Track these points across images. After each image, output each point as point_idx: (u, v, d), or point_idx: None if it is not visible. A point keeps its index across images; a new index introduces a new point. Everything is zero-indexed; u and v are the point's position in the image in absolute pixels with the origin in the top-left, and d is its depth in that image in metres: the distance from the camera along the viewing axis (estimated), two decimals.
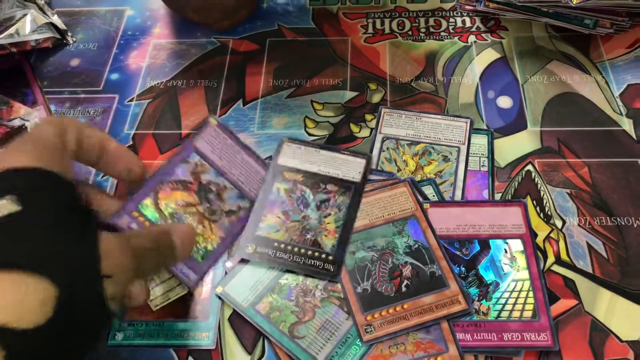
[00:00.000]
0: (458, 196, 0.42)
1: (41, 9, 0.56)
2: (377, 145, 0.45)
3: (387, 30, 0.54)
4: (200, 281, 0.37)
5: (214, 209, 0.37)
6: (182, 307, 0.38)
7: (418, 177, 0.43)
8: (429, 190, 0.42)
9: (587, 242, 0.40)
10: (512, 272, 0.37)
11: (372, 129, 0.46)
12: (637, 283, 0.38)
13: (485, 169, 0.43)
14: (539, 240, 0.40)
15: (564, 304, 0.37)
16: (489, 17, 0.54)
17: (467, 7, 0.54)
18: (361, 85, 0.50)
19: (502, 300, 0.36)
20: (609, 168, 0.43)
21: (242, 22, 0.56)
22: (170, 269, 0.35)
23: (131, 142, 0.47)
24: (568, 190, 0.42)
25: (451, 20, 0.55)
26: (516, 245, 0.39)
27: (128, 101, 0.50)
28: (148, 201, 0.35)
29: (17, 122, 0.48)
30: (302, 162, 0.43)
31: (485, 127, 0.46)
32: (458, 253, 0.39)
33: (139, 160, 0.33)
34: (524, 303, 0.36)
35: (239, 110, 0.49)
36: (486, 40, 0.52)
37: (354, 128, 0.47)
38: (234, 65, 0.52)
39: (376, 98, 0.49)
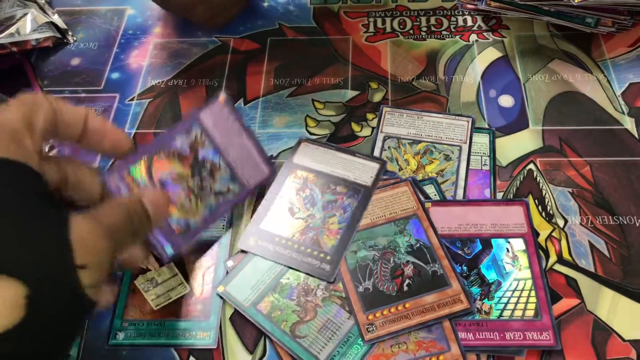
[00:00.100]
0: (460, 195, 0.41)
1: (42, 8, 0.56)
2: (379, 144, 0.45)
3: (388, 29, 0.54)
4: (174, 256, 0.36)
5: (204, 185, 0.37)
6: (183, 307, 0.38)
7: (419, 176, 0.43)
8: (430, 190, 0.42)
9: (589, 241, 0.39)
10: (514, 271, 0.37)
11: (373, 128, 0.46)
12: (639, 282, 0.38)
13: (487, 167, 0.43)
14: (541, 239, 0.40)
15: (566, 303, 0.37)
16: (490, 16, 0.54)
17: (469, 6, 0.54)
18: (362, 84, 0.50)
19: (504, 300, 0.36)
20: (611, 167, 0.43)
21: (234, 18, 0.55)
22: (147, 238, 0.34)
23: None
24: (570, 189, 0.42)
25: (452, 19, 0.54)
26: (518, 244, 0.39)
27: (129, 100, 0.50)
28: (142, 165, 0.34)
29: None
30: (316, 161, 0.43)
31: (486, 126, 0.46)
32: (460, 252, 0.38)
33: (125, 135, 0.31)
34: (526, 302, 0.36)
35: (240, 109, 0.49)
36: (488, 39, 0.52)
37: (355, 127, 0.47)
38: (235, 64, 0.52)
39: (377, 97, 0.49)
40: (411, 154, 0.44)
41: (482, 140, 0.45)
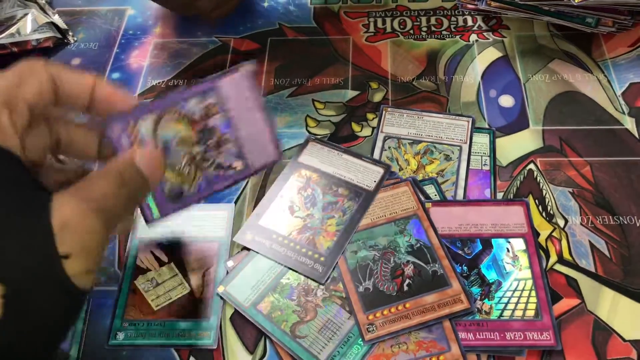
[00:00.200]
0: (460, 195, 0.41)
1: (42, 9, 0.56)
2: (379, 144, 0.45)
3: (388, 29, 0.54)
4: (160, 220, 0.33)
5: (207, 155, 0.35)
6: (183, 307, 0.38)
7: (420, 176, 0.43)
8: (430, 190, 0.42)
9: (590, 241, 0.39)
10: (515, 271, 0.37)
11: (373, 128, 0.46)
12: (639, 282, 0.37)
13: (487, 167, 0.43)
14: (541, 239, 0.40)
15: (566, 303, 0.37)
16: (490, 16, 0.54)
17: (469, 6, 0.54)
18: (362, 84, 0.50)
19: (505, 300, 0.36)
20: (611, 167, 0.43)
21: (230, 12, 0.55)
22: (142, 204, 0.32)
23: None
24: (570, 189, 0.42)
25: (453, 19, 0.54)
26: (518, 244, 0.39)
27: None
28: (150, 120, 0.32)
29: None
30: (321, 162, 0.43)
31: (487, 126, 0.46)
32: (460, 252, 0.38)
33: (134, 99, 0.29)
34: (527, 302, 0.36)
35: None
36: (488, 39, 0.52)
37: (355, 127, 0.47)
38: (235, 64, 0.52)
39: (378, 97, 0.49)
40: (411, 154, 0.44)
41: (482, 140, 0.45)
